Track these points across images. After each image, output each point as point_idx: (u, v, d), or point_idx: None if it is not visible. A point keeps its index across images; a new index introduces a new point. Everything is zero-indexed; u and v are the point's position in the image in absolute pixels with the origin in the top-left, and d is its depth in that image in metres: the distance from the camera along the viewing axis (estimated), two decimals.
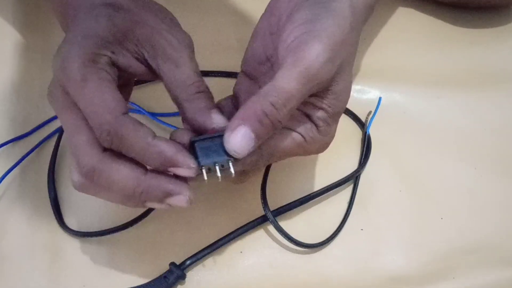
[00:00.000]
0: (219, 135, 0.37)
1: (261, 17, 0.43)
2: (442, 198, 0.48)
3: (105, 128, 0.36)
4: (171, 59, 0.39)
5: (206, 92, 0.39)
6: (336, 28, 0.38)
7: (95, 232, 0.45)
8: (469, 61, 0.56)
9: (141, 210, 0.45)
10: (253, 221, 0.45)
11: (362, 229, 0.46)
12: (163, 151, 0.36)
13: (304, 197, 0.46)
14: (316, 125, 0.40)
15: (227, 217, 0.46)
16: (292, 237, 0.44)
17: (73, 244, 0.45)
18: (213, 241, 0.44)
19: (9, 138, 0.49)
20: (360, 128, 0.52)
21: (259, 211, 0.45)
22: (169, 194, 0.37)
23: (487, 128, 0.52)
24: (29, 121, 0.50)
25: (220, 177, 0.37)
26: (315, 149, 0.41)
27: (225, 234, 0.45)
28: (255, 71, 0.43)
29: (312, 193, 0.46)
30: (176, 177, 0.37)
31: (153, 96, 0.51)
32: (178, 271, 0.42)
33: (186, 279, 0.43)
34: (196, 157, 0.37)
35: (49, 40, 0.55)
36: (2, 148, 0.48)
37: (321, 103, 0.39)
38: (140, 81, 0.52)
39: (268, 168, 0.47)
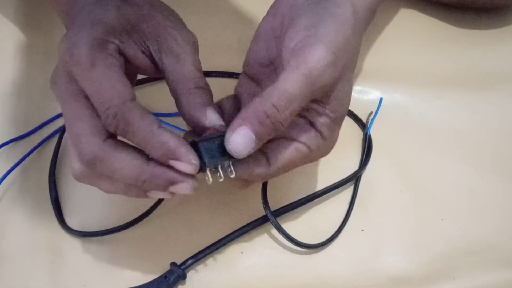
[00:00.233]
0: (220, 135, 0.37)
1: (263, 19, 0.43)
2: (442, 198, 0.48)
3: (111, 111, 0.36)
4: (173, 54, 0.39)
5: (205, 89, 0.39)
6: (339, 32, 0.38)
7: (96, 232, 0.45)
8: (470, 62, 0.56)
9: (141, 210, 0.45)
10: (254, 221, 0.45)
11: (362, 230, 0.46)
12: (166, 141, 0.36)
13: (305, 197, 0.46)
14: (320, 132, 0.40)
15: (228, 217, 0.46)
16: (293, 238, 0.44)
17: (74, 244, 0.45)
18: (213, 241, 0.44)
19: (10, 137, 0.49)
20: (361, 129, 0.52)
21: (260, 212, 0.45)
22: (172, 182, 0.37)
23: (488, 129, 0.52)
24: (30, 121, 0.50)
25: (222, 178, 0.37)
26: (319, 155, 0.42)
27: (225, 234, 0.45)
28: (258, 73, 0.43)
29: (313, 193, 0.46)
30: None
31: (153, 96, 0.51)
32: (179, 271, 0.42)
33: (187, 279, 0.43)
34: (200, 157, 0.37)
35: (50, 40, 0.55)
36: (3, 147, 0.48)
37: (324, 109, 0.39)
38: (141, 81, 0.52)
39: None
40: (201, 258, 0.44)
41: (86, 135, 0.37)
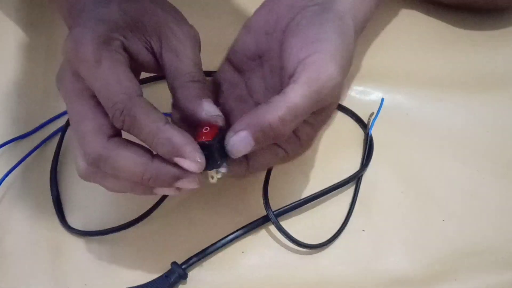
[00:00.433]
0: (220, 137, 0.37)
1: (257, 11, 0.43)
2: (444, 200, 0.48)
3: (118, 107, 0.36)
4: (173, 49, 0.39)
5: (201, 82, 0.39)
6: (346, 50, 0.39)
7: (97, 231, 0.45)
8: (471, 63, 0.56)
9: (143, 209, 0.45)
10: (255, 221, 0.45)
11: (364, 230, 0.46)
12: (172, 138, 0.35)
13: (306, 197, 0.46)
14: (299, 139, 0.40)
15: (229, 217, 0.46)
16: (294, 238, 0.44)
17: (75, 243, 0.45)
18: (215, 241, 0.44)
19: (12, 137, 0.49)
20: (362, 129, 0.52)
21: (261, 212, 0.45)
22: (178, 177, 0.37)
23: (489, 130, 0.52)
24: (32, 120, 0.50)
25: (219, 177, 0.38)
26: (294, 158, 0.42)
27: (227, 234, 0.45)
28: (242, 64, 0.44)
29: (314, 194, 0.46)
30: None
31: (153, 97, 0.51)
32: (180, 270, 0.42)
33: (188, 278, 0.43)
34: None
35: (52, 39, 0.55)
36: (5, 147, 0.48)
37: (312, 119, 0.40)
38: (141, 81, 0.52)
39: (270, 169, 0.47)
40: (202, 257, 0.44)
41: (90, 134, 0.37)
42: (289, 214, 0.46)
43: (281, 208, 0.46)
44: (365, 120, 0.52)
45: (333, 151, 0.50)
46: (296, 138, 0.40)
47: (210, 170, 0.37)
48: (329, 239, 0.45)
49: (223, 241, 0.44)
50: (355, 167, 0.49)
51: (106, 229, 0.45)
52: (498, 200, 0.48)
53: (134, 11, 0.39)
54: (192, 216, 0.46)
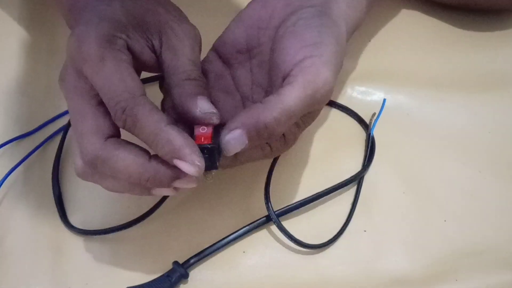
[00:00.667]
0: (217, 136, 0.37)
1: (250, 5, 0.44)
2: (445, 200, 0.48)
3: (121, 105, 0.36)
4: (172, 48, 0.39)
5: (197, 80, 0.39)
6: (339, 56, 0.40)
7: (99, 230, 0.45)
8: (473, 63, 0.56)
9: (144, 209, 0.45)
10: (256, 221, 0.45)
11: (365, 231, 0.46)
12: (172, 140, 0.35)
13: (307, 197, 0.46)
14: (284, 137, 0.41)
15: (231, 217, 0.46)
16: (295, 238, 0.44)
17: (76, 242, 0.45)
18: (216, 240, 0.44)
19: (14, 136, 0.49)
20: (364, 130, 0.52)
21: (263, 211, 0.45)
22: (176, 177, 0.37)
23: (491, 131, 0.52)
24: (34, 119, 0.50)
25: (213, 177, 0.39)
26: (277, 154, 0.44)
27: (228, 234, 0.45)
28: (231, 56, 0.44)
29: (316, 194, 0.46)
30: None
31: (153, 97, 0.51)
32: (181, 270, 0.42)
33: (189, 278, 0.43)
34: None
35: (54, 38, 0.55)
36: (7, 146, 0.48)
37: (299, 120, 0.40)
38: (141, 81, 0.52)
39: (271, 169, 0.47)
40: (204, 257, 0.44)
41: (88, 134, 0.37)
42: (290, 214, 0.46)
43: (282, 208, 0.46)
44: (367, 121, 0.52)
45: (335, 152, 0.50)
46: (281, 137, 0.41)
47: (209, 171, 0.37)
48: (331, 239, 0.45)
49: (224, 241, 0.44)
50: (356, 167, 0.49)
51: (108, 228, 0.45)
52: (499, 200, 0.48)
53: (136, 9, 0.39)
54: (193, 215, 0.46)
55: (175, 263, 0.43)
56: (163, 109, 0.41)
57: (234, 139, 0.36)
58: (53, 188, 0.47)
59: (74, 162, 0.39)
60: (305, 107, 0.38)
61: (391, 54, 0.57)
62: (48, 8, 0.57)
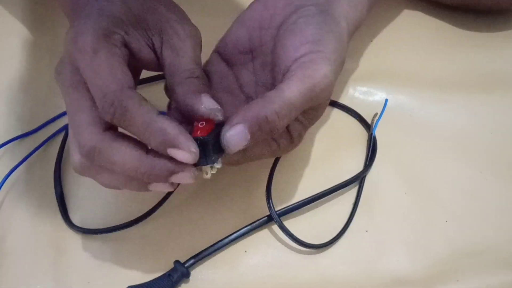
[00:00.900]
0: (215, 133, 0.37)
1: (252, 6, 0.44)
2: (446, 200, 0.48)
3: (109, 98, 0.35)
4: (174, 47, 0.39)
5: (200, 78, 0.39)
6: (340, 52, 0.40)
7: (100, 229, 0.45)
8: (474, 64, 0.56)
9: (146, 208, 0.45)
10: (258, 220, 0.45)
11: (366, 231, 0.46)
12: (165, 129, 0.35)
13: (309, 197, 0.46)
14: (291, 136, 0.41)
15: (232, 216, 0.46)
16: (297, 237, 0.44)
17: (78, 241, 0.45)
18: (217, 239, 0.44)
19: (16, 135, 0.49)
20: (366, 130, 0.52)
21: (264, 211, 0.45)
22: (173, 172, 0.36)
23: (492, 131, 0.52)
24: (36, 118, 0.50)
25: (214, 171, 0.38)
26: (283, 153, 0.43)
27: (229, 233, 0.45)
28: (233, 57, 0.44)
29: (317, 194, 0.46)
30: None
31: (153, 97, 0.51)
32: (183, 269, 0.42)
33: (190, 277, 0.43)
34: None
35: (56, 38, 0.55)
36: (9, 144, 0.49)
37: (302, 117, 0.41)
38: (141, 81, 0.52)
39: (273, 168, 0.47)
40: (205, 256, 0.44)
41: (85, 126, 0.37)
42: (292, 214, 0.46)
43: (284, 208, 0.46)
44: (369, 121, 0.52)
45: (337, 151, 0.50)
46: (288, 134, 0.41)
47: (205, 165, 0.37)
48: (332, 239, 0.45)
49: (225, 240, 0.44)
50: (358, 167, 0.49)
51: (109, 227, 0.45)
52: (501, 201, 0.48)
53: (138, 7, 0.39)
54: (195, 215, 0.46)
55: (177, 262, 0.43)
56: (168, 111, 0.41)
57: (236, 134, 0.36)
58: (55, 187, 0.47)
59: (71, 157, 0.39)
60: (304, 100, 0.38)
61: (393, 54, 0.57)
62: (50, 7, 0.58)
